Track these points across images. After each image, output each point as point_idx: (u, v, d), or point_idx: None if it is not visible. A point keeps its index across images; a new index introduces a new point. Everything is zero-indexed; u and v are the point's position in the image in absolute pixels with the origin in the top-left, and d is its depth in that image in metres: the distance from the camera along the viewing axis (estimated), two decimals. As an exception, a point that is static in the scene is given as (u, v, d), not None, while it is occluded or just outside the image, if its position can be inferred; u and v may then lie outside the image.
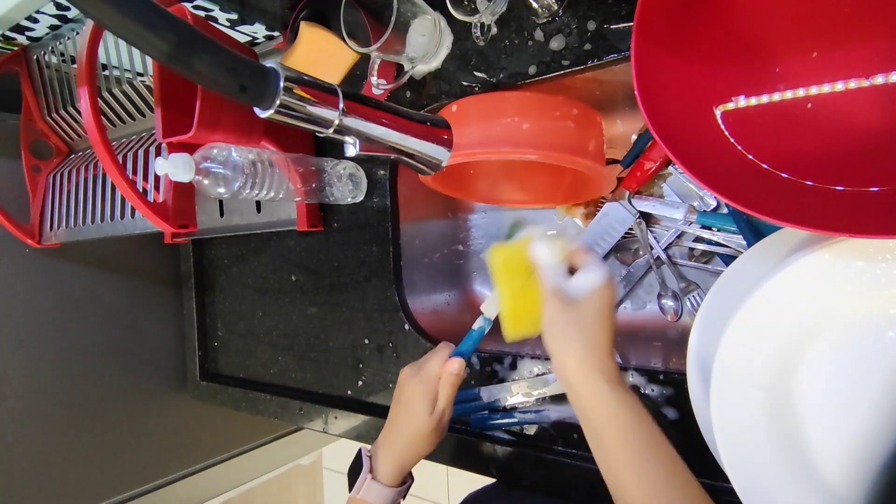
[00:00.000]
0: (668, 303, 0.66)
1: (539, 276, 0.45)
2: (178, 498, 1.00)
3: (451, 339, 0.67)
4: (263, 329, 0.87)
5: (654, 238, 0.66)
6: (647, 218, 0.66)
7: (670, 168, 0.65)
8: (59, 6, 0.65)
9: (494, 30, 0.57)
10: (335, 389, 0.78)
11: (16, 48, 0.76)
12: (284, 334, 0.84)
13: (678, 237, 0.65)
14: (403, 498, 0.50)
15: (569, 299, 0.42)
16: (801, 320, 0.38)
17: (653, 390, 0.52)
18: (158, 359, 0.99)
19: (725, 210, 0.61)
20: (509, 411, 0.60)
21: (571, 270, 0.45)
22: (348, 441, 0.76)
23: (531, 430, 0.59)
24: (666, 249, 0.65)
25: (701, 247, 0.63)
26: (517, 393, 0.60)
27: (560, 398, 0.58)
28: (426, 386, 0.48)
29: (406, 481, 0.50)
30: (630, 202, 0.65)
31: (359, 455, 0.50)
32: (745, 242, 0.57)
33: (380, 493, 0.47)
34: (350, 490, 0.48)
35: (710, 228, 0.62)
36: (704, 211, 0.62)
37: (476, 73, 0.60)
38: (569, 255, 0.45)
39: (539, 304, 0.44)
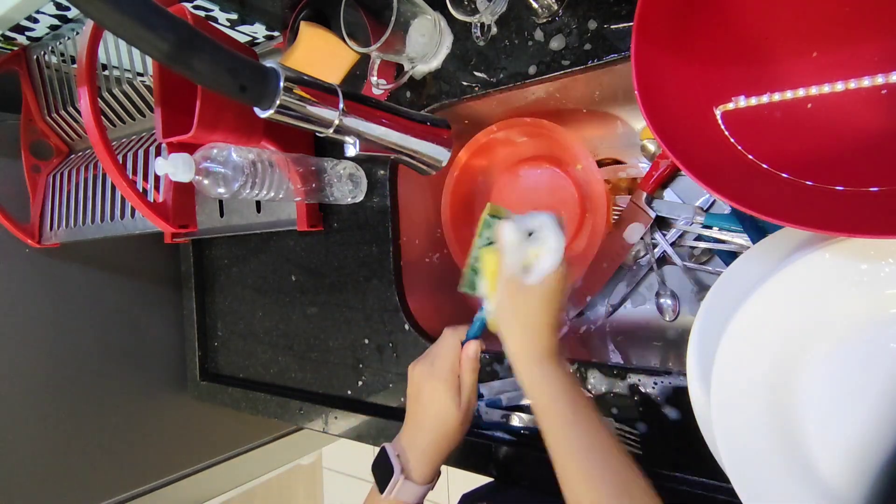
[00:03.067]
0: (667, 302, 0.66)
1: (496, 261, 0.46)
2: (178, 498, 1.00)
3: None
4: (263, 329, 0.87)
5: (659, 238, 0.66)
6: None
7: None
8: (59, 6, 0.65)
9: (494, 30, 0.57)
10: (335, 389, 0.78)
11: (16, 48, 0.76)
12: (284, 334, 0.84)
13: (679, 237, 0.65)
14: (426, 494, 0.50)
15: (522, 286, 0.43)
16: (801, 320, 0.38)
17: (653, 389, 0.52)
18: (158, 359, 0.99)
19: (728, 210, 0.61)
20: (512, 410, 0.60)
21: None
22: (348, 441, 0.76)
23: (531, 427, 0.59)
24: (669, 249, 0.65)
25: (703, 245, 0.63)
26: (516, 390, 0.60)
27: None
28: (447, 381, 0.47)
29: (436, 478, 0.49)
30: (648, 204, 0.65)
31: (384, 454, 0.49)
32: (745, 242, 0.57)
33: (414, 492, 0.47)
34: (381, 490, 0.47)
35: (710, 228, 0.62)
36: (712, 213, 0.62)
37: (476, 73, 0.60)
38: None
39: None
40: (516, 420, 0.59)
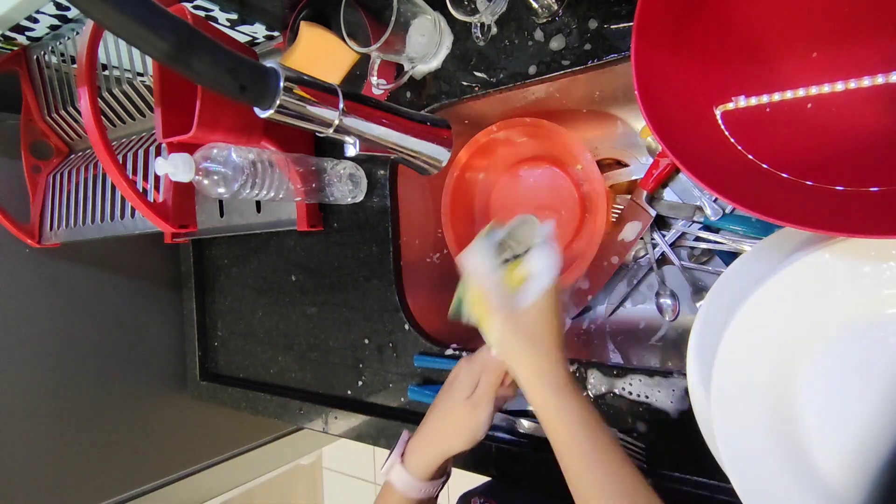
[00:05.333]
0: (667, 302, 0.66)
1: (477, 289, 0.44)
2: (178, 498, 1.00)
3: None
4: (263, 329, 0.87)
5: (658, 238, 0.66)
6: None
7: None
8: (59, 6, 0.65)
9: (494, 30, 0.57)
10: (335, 389, 0.78)
11: (16, 48, 0.76)
12: (284, 334, 0.84)
13: (679, 237, 0.65)
14: (437, 494, 0.48)
15: (513, 310, 0.42)
16: (801, 320, 0.38)
17: (653, 389, 0.52)
18: (158, 359, 0.99)
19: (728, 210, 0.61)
20: (515, 415, 0.60)
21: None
22: (348, 441, 0.76)
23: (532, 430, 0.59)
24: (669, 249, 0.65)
25: (704, 245, 0.63)
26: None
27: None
28: (470, 369, 0.46)
29: (438, 476, 0.47)
30: (648, 203, 0.65)
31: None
32: (744, 242, 0.57)
33: (406, 482, 0.45)
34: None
35: (711, 230, 0.62)
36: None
37: (476, 73, 0.60)
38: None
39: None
40: (522, 425, 0.59)
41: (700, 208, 0.62)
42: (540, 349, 0.41)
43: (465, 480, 0.61)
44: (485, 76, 0.59)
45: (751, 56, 0.40)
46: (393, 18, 0.52)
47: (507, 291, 0.43)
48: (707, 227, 0.63)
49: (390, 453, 0.48)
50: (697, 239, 0.64)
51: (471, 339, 0.62)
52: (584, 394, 0.53)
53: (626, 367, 0.54)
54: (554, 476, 0.56)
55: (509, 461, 0.59)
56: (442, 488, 0.48)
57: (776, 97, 0.40)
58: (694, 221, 0.63)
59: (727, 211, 0.60)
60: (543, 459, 0.57)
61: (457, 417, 0.45)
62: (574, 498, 0.39)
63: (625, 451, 0.39)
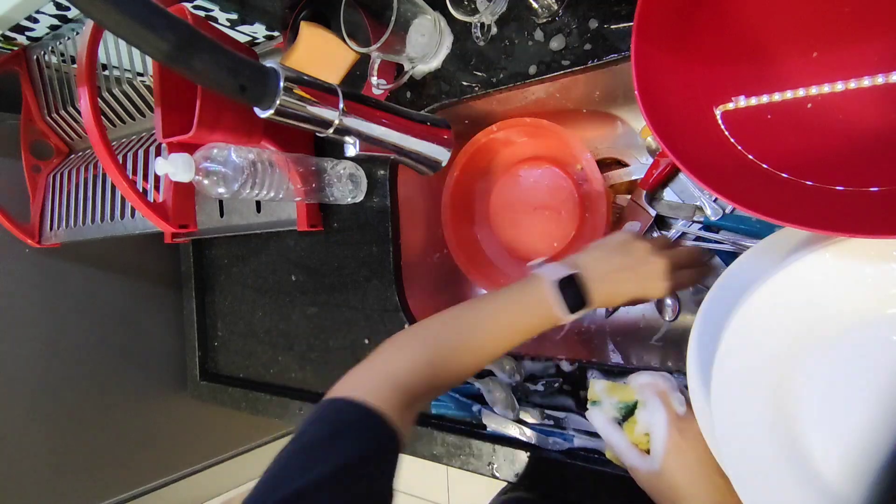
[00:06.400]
0: (667, 302, 0.66)
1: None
2: (178, 498, 1.00)
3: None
4: (263, 329, 0.87)
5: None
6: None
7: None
8: (59, 6, 0.65)
9: (494, 30, 0.57)
10: (335, 389, 0.78)
11: (16, 48, 0.76)
12: (284, 334, 0.84)
13: (679, 237, 0.65)
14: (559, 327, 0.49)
15: (651, 471, 0.42)
16: (801, 320, 0.38)
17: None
18: (158, 359, 0.99)
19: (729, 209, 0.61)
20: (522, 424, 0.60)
21: None
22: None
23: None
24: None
25: (704, 245, 0.63)
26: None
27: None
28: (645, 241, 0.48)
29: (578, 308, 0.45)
30: (648, 203, 0.65)
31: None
32: (745, 240, 0.57)
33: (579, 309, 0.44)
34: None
35: (710, 229, 0.62)
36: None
37: (476, 73, 0.60)
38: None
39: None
40: (525, 430, 0.59)
41: (700, 208, 0.62)
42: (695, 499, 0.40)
43: (465, 480, 0.61)
44: (485, 76, 0.59)
45: (751, 56, 0.40)
46: (393, 18, 0.52)
47: (638, 451, 0.44)
48: (707, 228, 0.63)
49: (544, 267, 0.46)
50: (698, 239, 0.64)
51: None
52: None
53: (626, 367, 0.54)
54: (554, 477, 0.56)
55: (510, 461, 0.59)
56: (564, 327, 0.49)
57: (776, 97, 0.40)
58: (694, 221, 0.63)
59: (727, 211, 0.60)
60: (544, 459, 0.57)
61: (650, 269, 0.46)
62: None
63: None
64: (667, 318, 0.66)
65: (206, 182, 0.56)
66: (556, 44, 0.54)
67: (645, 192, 0.65)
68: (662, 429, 0.42)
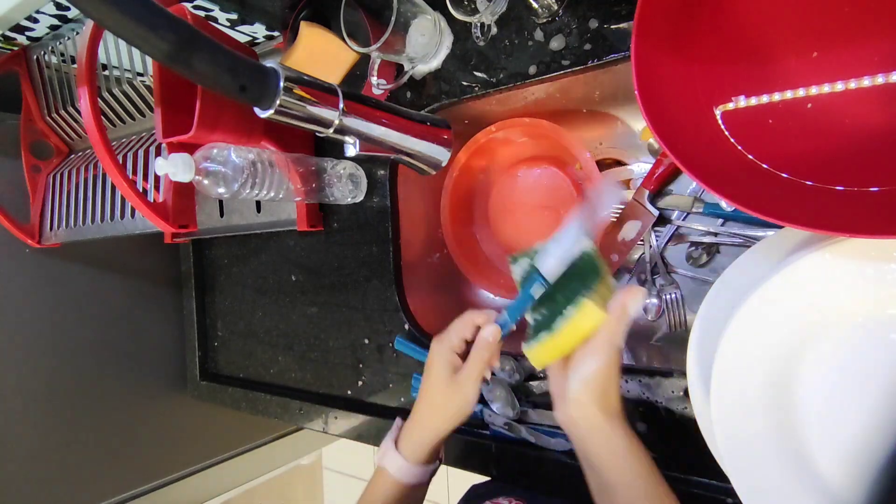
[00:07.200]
0: (652, 301, 0.65)
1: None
2: (178, 498, 1.00)
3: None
4: (263, 329, 0.87)
5: (657, 238, 0.66)
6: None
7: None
8: (59, 6, 0.65)
9: (494, 30, 0.57)
10: (335, 389, 0.78)
11: (16, 48, 0.76)
12: (284, 334, 0.84)
13: (679, 238, 0.65)
14: (428, 481, 0.48)
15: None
16: (801, 320, 0.38)
17: (653, 389, 0.52)
18: (158, 359, 0.99)
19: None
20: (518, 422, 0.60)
21: None
22: (348, 441, 0.76)
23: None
24: (662, 249, 0.65)
25: (707, 240, 0.63)
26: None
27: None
28: (442, 347, 0.45)
29: (431, 461, 0.47)
30: (650, 202, 0.65)
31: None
32: (749, 229, 0.57)
33: (399, 466, 0.45)
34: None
35: (710, 232, 0.62)
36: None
37: (476, 73, 0.60)
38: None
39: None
40: (520, 430, 0.59)
41: (698, 199, 0.62)
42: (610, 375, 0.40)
43: (465, 480, 0.61)
44: (485, 76, 0.59)
45: (751, 56, 0.40)
46: (393, 18, 0.52)
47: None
48: (707, 231, 0.63)
49: (384, 440, 0.48)
50: (695, 244, 0.64)
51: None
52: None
53: (626, 367, 0.54)
54: (555, 477, 0.56)
55: (510, 461, 0.59)
56: (433, 475, 0.48)
57: (776, 97, 0.40)
58: (693, 212, 0.63)
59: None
60: (543, 458, 0.57)
61: (445, 397, 0.44)
62: None
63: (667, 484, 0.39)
64: (650, 318, 0.66)
65: (206, 182, 0.56)
66: (556, 44, 0.54)
67: (647, 191, 0.65)
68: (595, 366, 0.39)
